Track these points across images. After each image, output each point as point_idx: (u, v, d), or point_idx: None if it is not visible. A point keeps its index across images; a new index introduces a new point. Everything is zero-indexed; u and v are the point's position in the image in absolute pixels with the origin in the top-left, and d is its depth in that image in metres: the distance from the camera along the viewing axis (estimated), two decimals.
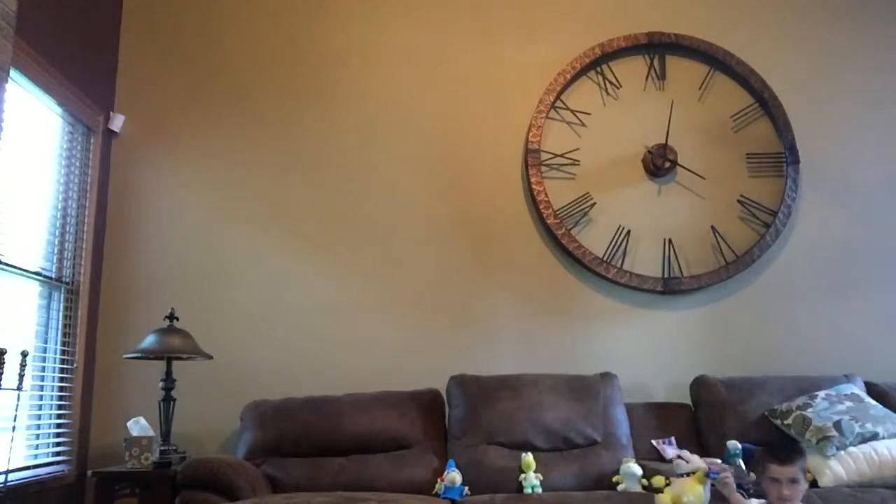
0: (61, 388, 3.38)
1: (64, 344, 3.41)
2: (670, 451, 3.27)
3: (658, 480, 2.79)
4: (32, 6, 3.06)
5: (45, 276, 3.28)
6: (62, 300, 3.43)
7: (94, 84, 3.68)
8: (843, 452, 2.99)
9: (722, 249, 3.89)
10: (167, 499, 3.00)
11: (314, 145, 3.92)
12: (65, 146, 3.50)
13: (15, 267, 3.04)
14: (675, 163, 3.93)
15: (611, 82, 4.04)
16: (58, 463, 3.32)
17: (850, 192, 4.02)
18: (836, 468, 2.95)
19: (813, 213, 3.98)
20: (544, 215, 3.81)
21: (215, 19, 4.02)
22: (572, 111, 3.98)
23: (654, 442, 3.35)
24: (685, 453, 2.72)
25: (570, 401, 3.30)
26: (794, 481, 2.37)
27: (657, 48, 4.07)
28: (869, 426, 3.05)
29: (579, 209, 3.89)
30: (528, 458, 3.05)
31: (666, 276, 3.84)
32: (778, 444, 2.64)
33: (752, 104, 4.03)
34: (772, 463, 2.41)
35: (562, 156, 3.93)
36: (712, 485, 2.61)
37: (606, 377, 3.45)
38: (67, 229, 3.48)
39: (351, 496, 2.75)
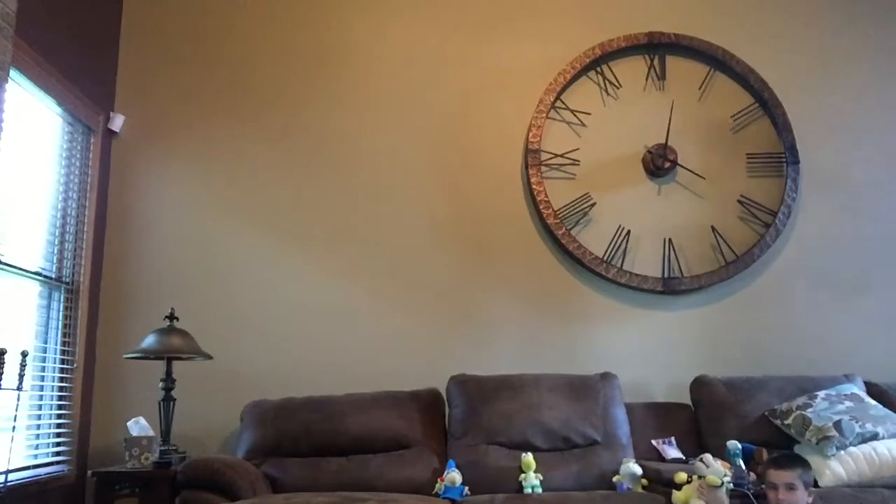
0: (61, 388, 3.38)
1: (64, 344, 3.41)
2: (670, 451, 3.28)
3: (680, 477, 2.76)
4: (32, 6, 3.06)
5: (45, 276, 3.28)
6: (62, 300, 3.43)
7: (94, 84, 3.68)
8: (843, 452, 2.99)
9: (722, 249, 3.89)
10: (167, 499, 3.00)
11: (314, 145, 3.92)
12: (65, 146, 3.50)
13: (15, 267, 3.04)
14: (675, 163, 3.93)
15: (611, 82, 4.04)
16: (58, 463, 3.32)
17: (850, 192, 4.02)
18: (836, 468, 2.95)
19: (813, 213, 3.98)
20: (544, 215, 3.81)
21: (215, 19, 4.02)
22: (572, 111, 3.98)
23: (654, 442, 3.35)
24: (707, 457, 2.71)
25: (570, 401, 3.30)
26: (790, 487, 2.40)
27: (657, 48, 4.07)
28: (869, 426, 3.05)
29: (579, 209, 3.89)
30: (528, 458, 3.05)
31: (666, 275, 3.84)
32: (781, 453, 2.73)
33: (752, 104, 4.03)
34: (769, 468, 2.48)
35: (562, 156, 3.93)
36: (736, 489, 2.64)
37: (606, 377, 3.45)
38: (67, 229, 3.48)
39: (351, 496, 2.75)
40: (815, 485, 2.93)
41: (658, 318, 3.85)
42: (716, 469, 2.65)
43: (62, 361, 3.40)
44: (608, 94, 4.04)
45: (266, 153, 3.90)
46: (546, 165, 3.90)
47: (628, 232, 3.90)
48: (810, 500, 2.50)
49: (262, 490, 2.97)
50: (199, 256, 3.78)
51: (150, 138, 3.87)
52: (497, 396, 3.29)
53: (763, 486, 2.64)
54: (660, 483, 2.90)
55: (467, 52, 4.04)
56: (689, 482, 2.71)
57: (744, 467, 2.90)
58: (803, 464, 2.51)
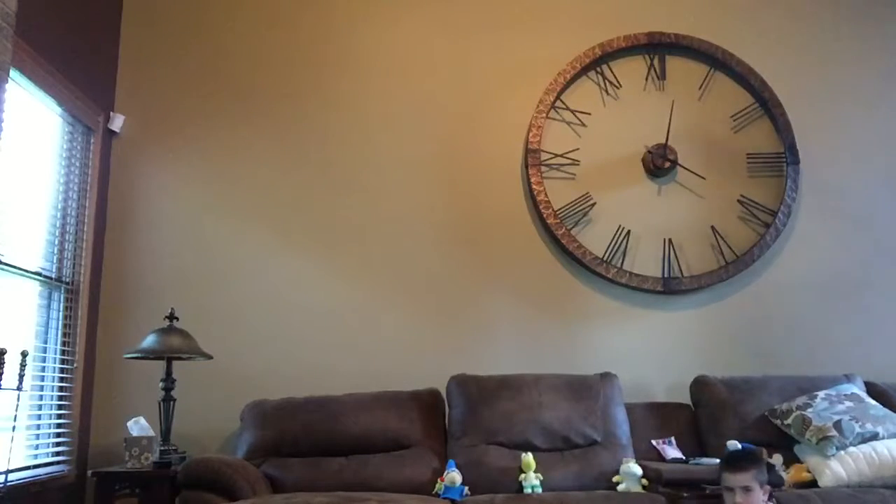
0: (61, 388, 3.38)
1: (64, 344, 3.41)
2: (670, 451, 3.28)
3: None
4: (32, 6, 3.06)
5: (45, 276, 3.28)
6: (62, 300, 3.43)
7: (94, 84, 3.68)
8: (843, 452, 2.99)
9: (722, 249, 3.89)
10: (167, 499, 3.00)
11: (314, 145, 3.92)
12: (65, 146, 3.50)
13: (15, 267, 3.04)
14: (675, 163, 3.93)
15: (611, 82, 4.04)
16: (58, 463, 3.32)
17: (850, 192, 4.02)
18: (836, 468, 2.95)
19: (813, 213, 3.98)
20: (544, 215, 3.81)
21: (215, 19, 4.02)
22: (572, 111, 3.98)
23: (654, 442, 3.35)
24: None
25: (570, 401, 3.30)
26: (747, 490, 2.39)
27: (657, 48, 4.07)
28: (869, 426, 3.05)
29: (579, 209, 3.89)
30: (528, 458, 3.06)
31: (666, 276, 3.84)
32: (734, 453, 2.70)
33: (752, 104, 4.03)
34: (724, 471, 2.46)
35: (562, 156, 3.93)
36: None
37: (606, 377, 3.45)
38: (67, 229, 3.48)
39: (351, 496, 2.75)
40: (815, 483, 2.93)
41: (658, 318, 3.85)
42: None
43: (62, 361, 3.39)
44: (608, 94, 4.04)
45: (266, 153, 3.90)
46: (546, 165, 3.90)
47: (628, 232, 3.90)
48: (765, 497, 2.47)
49: (262, 490, 2.97)
50: (199, 256, 3.78)
51: (150, 138, 3.87)
52: (497, 396, 3.29)
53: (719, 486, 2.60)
54: (659, 483, 2.90)
55: (467, 53, 4.04)
56: None
57: None
58: (756, 462, 2.48)
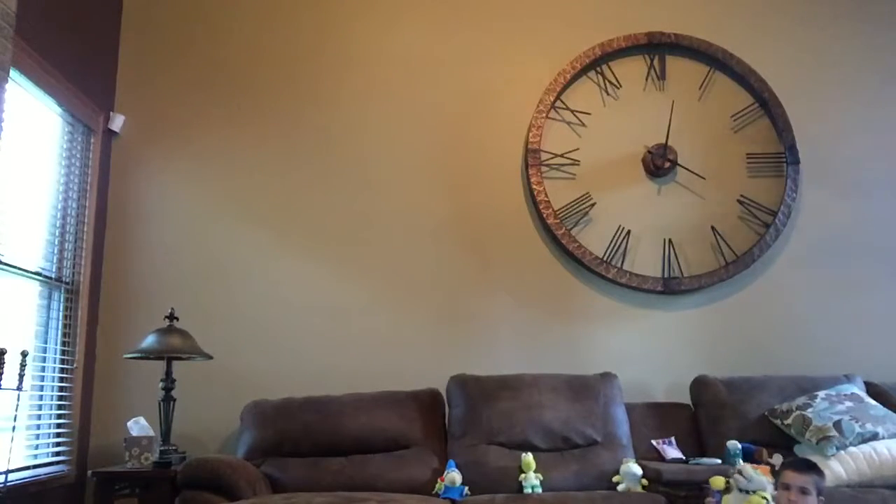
0: (61, 388, 3.38)
1: (64, 344, 3.41)
2: (670, 451, 3.28)
3: (718, 482, 2.63)
4: (32, 6, 3.06)
5: (45, 276, 3.28)
6: (62, 300, 3.43)
7: (94, 84, 3.68)
8: (843, 452, 2.99)
9: (722, 249, 3.89)
10: (167, 499, 3.00)
11: (315, 145, 3.92)
12: (65, 146, 3.50)
13: (15, 267, 3.04)
14: (675, 163, 3.93)
15: (611, 82, 4.04)
16: (58, 463, 3.32)
17: (850, 192, 4.02)
18: (836, 468, 2.95)
19: (813, 213, 3.98)
20: (544, 215, 3.81)
21: (215, 19, 4.02)
22: (572, 111, 3.98)
23: (654, 442, 3.35)
24: (747, 470, 2.56)
25: (570, 401, 3.30)
26: (804, 492, 2.41)
27: (657, 48, 4.07)
28: (869, 426, 3.05)
29: (579, 209, 3.89)
30: (528, 458, 3.06)
31: (666, 276, 3.84)
32: (801, 458, 2.79)
33: (752, 104, 4.03)
34: (787, 469, 2.49)
35: (562, 156, 3.93)
36: None
37: (606, 377, 3.45)
38: (67, 229, 3.48)
39: (351, 496, 2.75)
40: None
41: (658, 318, 3.85)
42: (758, 482, 2.53)
43: (62, 361, 3.39)
44: (608, 94, 4.04)
45: (266, 153, 3.90)
46: (546, 165, 3.90)
47: (628, 232, 3.90)
48: None
49: (262, 490, 2.97)
50: (199, 256, 3.78)
51: (150, 138, 3.87)
52: (497, 396, 3.29)
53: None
54: (659, 483, 2.90)
55: (467, 53, 4.04)
56: (727, 488, 2.60)
57: None
58: (819, 472, 2.53)
